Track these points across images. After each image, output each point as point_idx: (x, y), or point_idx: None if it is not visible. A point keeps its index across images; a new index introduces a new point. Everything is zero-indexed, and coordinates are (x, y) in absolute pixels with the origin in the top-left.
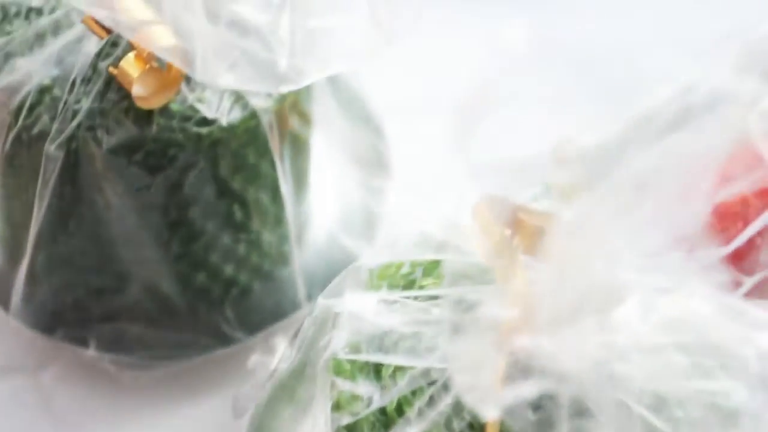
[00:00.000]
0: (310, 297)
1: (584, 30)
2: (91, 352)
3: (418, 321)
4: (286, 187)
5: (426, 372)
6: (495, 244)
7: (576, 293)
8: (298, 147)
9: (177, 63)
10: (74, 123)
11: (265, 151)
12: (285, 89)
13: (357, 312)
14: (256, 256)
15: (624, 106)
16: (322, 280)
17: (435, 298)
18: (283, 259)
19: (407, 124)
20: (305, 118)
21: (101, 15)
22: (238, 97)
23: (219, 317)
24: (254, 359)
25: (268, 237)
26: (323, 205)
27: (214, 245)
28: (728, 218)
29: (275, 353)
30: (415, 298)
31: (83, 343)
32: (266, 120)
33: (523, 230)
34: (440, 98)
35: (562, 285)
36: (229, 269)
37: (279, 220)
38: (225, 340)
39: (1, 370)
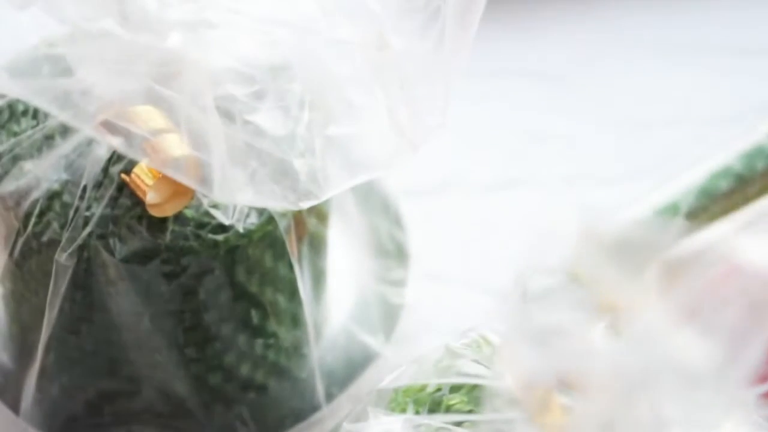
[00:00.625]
0: (330, 397)
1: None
2: None
3: None
4: (303, 288)
5: None
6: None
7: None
8: (316, 245)
9: (191, 183)
10: (86, 231)
11: (282, 254)
12: (306, 205)
13: None
14: (273, 356)
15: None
16: (341, 379)
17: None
18: (300, 358)
19: (423, 206)
20: (322, 216)
21: (113, 141)
22: None
23: (235, 419)
24: None
25: (285, 337)
26: (340, 300)
27: (230, 347)
28: None
29: None
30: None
31: None
32: (284, 224)
33: None
34: (456, 180)
35: (604, 421)
36: (245, 369)
37: (296, 321)
38: None
39: None
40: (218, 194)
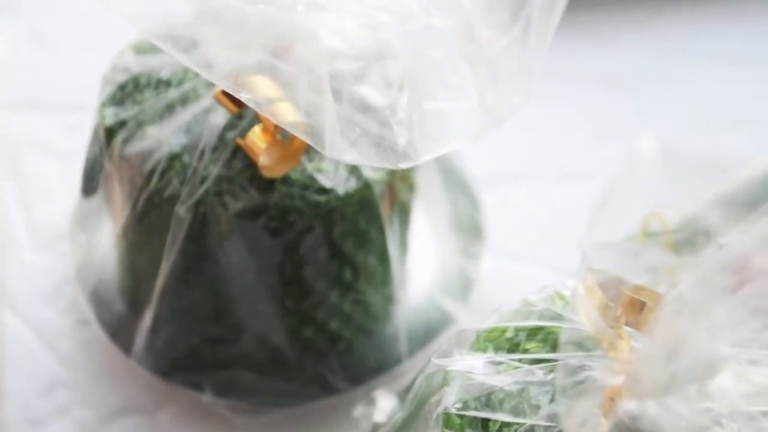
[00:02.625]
0: (411, 353)
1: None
2: (206, 397)
3: (522, 381)
4: (393, 251)
5: (530, 429)
6: (602, 317)
7: (678, 364)
8: (404, 213)
9: (306, 139)
10: (203, 188)
11: (375, 218)
12: (404, 166)
13: (467, 371)
14: (362, 314)
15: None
16: (421, 338)
17: (538, 361)
18: (386, 317)
19: (498, 192)
20: (411, 187)
21: (236, 91)
22: (353, 169)
23: (325, 369)
24: (359, 409)
25: (373, 296)
26: (423, 268)
27: (323, 302)
28: None
29: (376, 404)
30: (520, 360)
31: (198, 387)
32: (378, 190)
33: (627, 305)
34: (528, 171)
35: (665, 356)
36: (334, 325)
37: (385, 281)
38: (330, 391)
39: (119, 410)
40: (328, 152)
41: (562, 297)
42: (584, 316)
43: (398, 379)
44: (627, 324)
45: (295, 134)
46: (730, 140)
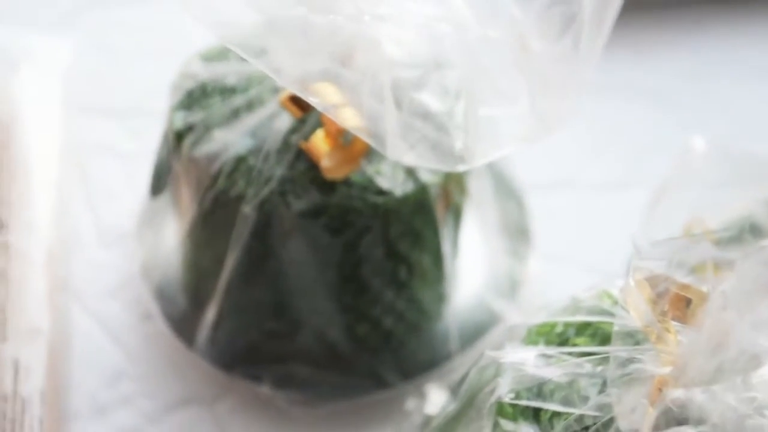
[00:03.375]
0: (461, 350)
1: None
2: (264, 389)
3: (572, 373)
4: (447, 251)
5: (580, 419)
6: (651, 311)
7: (723, 356)
8: (457, 216)
9: (370, 141)
10: (268, 188)
11: (430, 219)
12: (460, 168)
13: (519, 363)
14: (415, 312)
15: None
16: (470, 335)
17: (587, 354)
18: (437, 315)
19: (545, 198)
20: (464, 191)
21: (304, 96)
22: (410, 172)
23: (378, 364)
24: (411, 403)
25: (426, 295)
26: (474, 268)
27: (378, 300)
28: None
29: (428, 398)
30: (570, 353)
31: (257, 380)
32: (433, 192)
33: (675, 300)
34: (574, 178)
35: (711, 349)
36: (389, 322)
37: (438, 281)
38: (383, 385)
39: (180, 401)
40: (390, 154)
41: (609, 295)
42: (634, 310)
43: (449, 375)
44: (674, 318)
45: (359, 137)
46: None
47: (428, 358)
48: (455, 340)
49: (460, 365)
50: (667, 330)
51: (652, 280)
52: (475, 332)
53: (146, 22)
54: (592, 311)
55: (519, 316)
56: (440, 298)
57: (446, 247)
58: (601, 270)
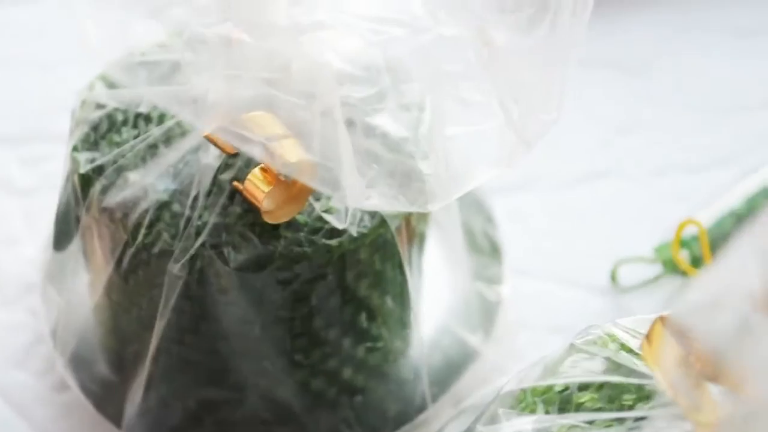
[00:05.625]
0: (433, 398)
1: None
2: None
3: None
4: (413, 289)
5: None
6: (681, 374)
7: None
8: (421, 245)
9: (323, 188)
10: (198, 241)
11: (391, 256)
12: (435, 207)
13: None
14: (377, 359)
15: None
16: (443, 379)
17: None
18: (404, 360)
19: (513, 201)
20: (425, 216)
21: (227, 137)
22: None
23: (340, 422)
24: None
25: (390, 339)
26: (439, 299)
27: (335, 351)
28: None
29: None
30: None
31: None
32: (394, 225)
33: (701, 356)
34: (544, 174)
35: (753, 415)
36: (347, 373)
37: (402, 323)
38: None
39: None
40: (349, 201)
41: (614, 338)
42: (659, 373)
43: (421, 428)
44: (709, 379)
45: (303, 178)
46: (758, 123)
47: (397, 409)
48: (426, 387)
49: (435, 416)
50: (704, 397)
51: (680, 333)
52: (448, 374)
53: (37, 24)
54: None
55: (497, 350)
56: (406, 340)
57: (412, 283)
58: (584, 281)
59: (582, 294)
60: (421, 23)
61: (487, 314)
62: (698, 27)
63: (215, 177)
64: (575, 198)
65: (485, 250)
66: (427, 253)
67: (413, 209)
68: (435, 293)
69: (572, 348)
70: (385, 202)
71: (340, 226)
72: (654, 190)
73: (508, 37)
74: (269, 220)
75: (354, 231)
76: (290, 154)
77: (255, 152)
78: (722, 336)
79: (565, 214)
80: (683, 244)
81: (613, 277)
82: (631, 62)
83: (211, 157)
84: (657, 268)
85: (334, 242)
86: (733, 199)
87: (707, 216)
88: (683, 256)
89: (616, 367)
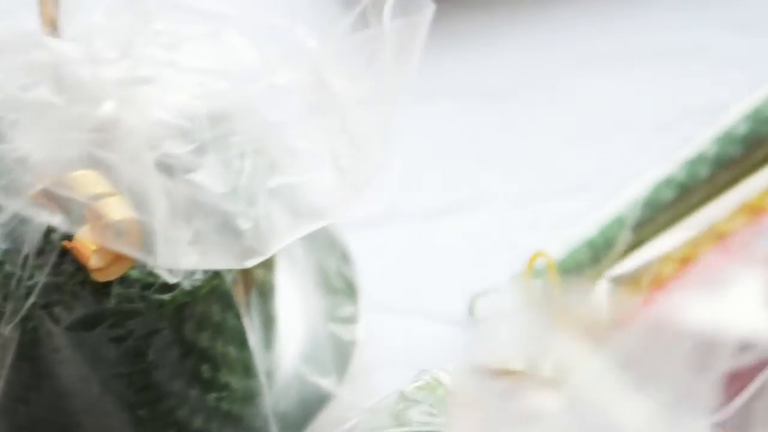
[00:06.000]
0: None
1: None
2: None
3: None
4: (253, 337)
5: None
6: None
7: None
8: (264, 293)
9: (134, 253)
10: (29, 302)
11: (230, 306)
12: (251, 263)
13: None
14: (226, 407)
15: None
16: (296, 423)
17: None
18: (254, 407)
19: (372, 236)
20: (269, 264)
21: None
22: None
23: None
24: None
25: (237, 387)
26: (291, 343)
27: (182, 402)
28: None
29: None
30: None
31: None
32: (230, 277)
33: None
34: (404, 207)
35: None
36: (197, 422)
37: (248, 370)
38: None
39: None
40: (162, 261)
41: (441, 383)
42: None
43: None
44: None
45: (119, 246)
46: (620, 147)
47: None
48: (277, 431)
49: None
50: None
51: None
52: (301, 419)
53: None
54: (424, 413)
55: (351, 389)
56: (254, 385)
57: (253, 330)
58: (442, 315)
59: (441, 328)
60: (251, 74)
61: (341, 355)
62: (555, 55)
63: (46, 235)
64: (435, 231)
65: (340, 289)
66: (278, 298)
67: (232, 266)
68: (288, 338)
69: (401, 395)
70: (203, 260)
71: (172, 280)
72: (512, 220)
73: (343, 82)
74: (99, 278)
75: (187, 284)
76: (115, 212)
77: (79, 212)
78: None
79: (425, 247)
80: (537, 274)
81: (471, 310)
82: (493, 91)
83: (42, 216)
84: (513, 299)
85: (167, 297)
86: (588, 227)
87: (562, 245)
88: (537, 287)
89: (441, 412)
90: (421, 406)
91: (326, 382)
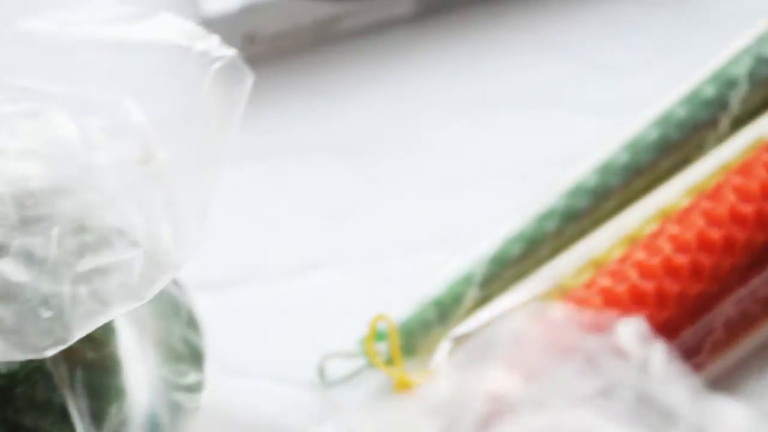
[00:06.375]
0: None
1: None
2: None
3: None
4: (80, 415)
5: None
6: None
7: None
8: (98, 368)
9: None
10: None
11: (54, 386)
12: (52, 352)
13: None
14: None
15: None
16: None
17: None
18: None
19: (224, 299)
20: (100, 341)
21: None
22: None
23: None
24: None
25: None
26: (133, 416)
27: None
28: None
29: None
30: None
31: None
32: (50, 359)
33: None
34: (257, 268)
35: None
36: None
37: None
38: None
39: None
40: None
41: None
42: None
43: None
44: None
45: None
46: (477, 197)
47: None
48: None
49: None
50: None
51: None
52: None
53: None
54: None
55: None
56: None
57: (80, 409)
58: (295, 378)
59: (292, 390)
60: (69, 153)
61: (182, 424)
62: (413, 105)
63: None
64: (290, 291)
65: (184, 356)
66: (126, 369)
67: (31, 356)
68: (131, 408)
69: None
70: (2, 353)
71: None
72: (367, 278)
73: (169, 153)
74: None
75: (2, 368)
76: None
77: None
78: None
79: (276, 308)
80: (382, 336)
81: (320, 372)
82: (347, 144)
83: None
84: (361, 361)
85: None
86: (436, 285)
87: (410, 303)
88: (383, 349)
89: None
90: None
91: None
